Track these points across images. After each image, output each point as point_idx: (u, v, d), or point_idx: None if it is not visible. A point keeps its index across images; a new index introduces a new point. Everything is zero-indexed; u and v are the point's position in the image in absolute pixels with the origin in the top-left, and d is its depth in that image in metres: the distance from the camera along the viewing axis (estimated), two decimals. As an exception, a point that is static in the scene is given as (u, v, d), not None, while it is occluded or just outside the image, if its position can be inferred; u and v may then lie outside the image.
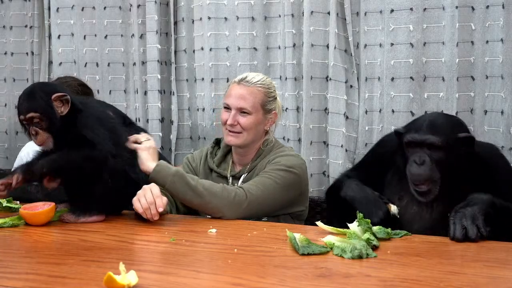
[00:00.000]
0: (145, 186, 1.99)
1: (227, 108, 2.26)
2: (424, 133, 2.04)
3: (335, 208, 2.17)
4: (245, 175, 2.29)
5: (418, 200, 2.04)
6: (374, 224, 1.79)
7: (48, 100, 1.99)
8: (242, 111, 2.23)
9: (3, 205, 2.19)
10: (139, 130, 2.75)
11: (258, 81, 2.27)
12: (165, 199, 1.97)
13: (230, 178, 2.32)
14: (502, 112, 2.60)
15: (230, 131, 2.25)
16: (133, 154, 2.13)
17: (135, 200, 1.97)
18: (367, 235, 1.65)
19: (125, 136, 2.14)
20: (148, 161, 2.08)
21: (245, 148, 2.30)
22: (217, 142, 2.43)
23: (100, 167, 1.99)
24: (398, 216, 1.99)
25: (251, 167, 2.29)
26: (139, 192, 1.98)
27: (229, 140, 2.27)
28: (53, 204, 2.00)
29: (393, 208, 1.99)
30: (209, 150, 2.40)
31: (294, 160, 2.24)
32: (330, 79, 2.89)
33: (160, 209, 1.93)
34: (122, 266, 1.31)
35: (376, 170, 2.23)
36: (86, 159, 1.96)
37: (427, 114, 2.32)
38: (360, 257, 1.53)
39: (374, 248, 1.62)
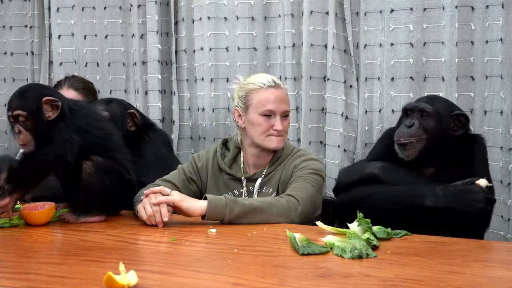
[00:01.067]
0: (151, 195, 1.98)
1: (269, 115, 2.23)
2: (419, 102, 2.21)
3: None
4: (261, 179, 2.28)
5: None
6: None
7: (38, 101, 2.00)
8: (284, 115, 2.25)
9: None
10: (161, 133, 2.78)
11: (280, 82, 2.31)
12: (170, 208, 1.96)
13: (245, 180, 2.30)
14: (501, 112, 2.60)
15: (277, 136, 2.24)
16: (125, 155, 2.14)
17: (140, 207, 1.96)
18: (367, 235, 1.66)
19: (119, 139, 2.15)
20: (194, 205, 1.95)
21: (267, 151, 2.29)
22: (224, 142, 2.41)
23: (54, 165, 1.99)
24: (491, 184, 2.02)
25: (268, 171, 2.28)
26: (144, 200, 1.97)
27: (278, 145, 2.25)
28: (53, 204, 2.01)
29: (483, 182, 1.99)
30: (218, 151, 2.37)
31: (318, 163, 2.27)
32: (328, 79, 2.89)
33: (165, 218, 1.92)
34: (122, 266, 1.31)
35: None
36: (46, 163, 1.96)
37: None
38: (360, 257, 1.53)
39: (374, 248, 1.62)
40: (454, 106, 2.26)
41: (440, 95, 2.70)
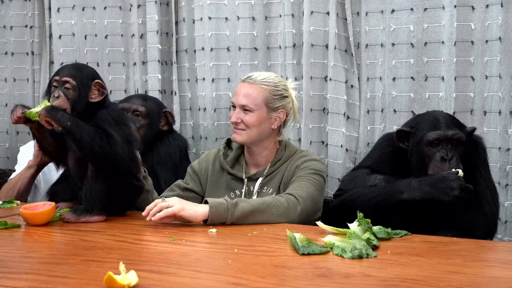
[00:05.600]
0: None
1: (234, 106, 2.28)
2: (447, 130, 2.12)
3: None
4: (262, 178, 2.28)
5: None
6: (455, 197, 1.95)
7: (90, 80, 2.06)
8: (244, 109, 2.24)
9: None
10: (180, 139, 2.82)
11: (263, 79, 2.27)
12: (172, 218, 1.96)
13: (246, 180, 2.30)
14: (499, 113, 2.60)
15: (235, 128, 2.27)
16: (139, 163, 2.16)
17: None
18: (367, 235, 1.66)
19: (137, 144, 2.16)
20: (195, 211, 1.93)
21: (254, 147, 2.30)
22: (228, 142, 2.42)
23: (107, 164, 2.00)
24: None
25: (269, 171, 2.29)
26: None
27: (233, 137, 2.29)
28: (53, 204, 2.01)
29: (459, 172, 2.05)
30: (221, 150, 2.38)
31: (320, 164, 2.27)
32: (330, 79, 2.89)
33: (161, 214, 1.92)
34: (122, 266, 1.31)
35: (383, 169, 2.26)
36: (101, 150, 1.97)
37: (427, 113, 2.35)
38: (360, 257, 1.53)
39: (374, 248, 1.62)
40: (457, 120, 2.25)
41: (440, 95, 2.70)
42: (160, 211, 1.92)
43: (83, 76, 2.05)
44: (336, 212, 2.24)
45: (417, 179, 2.08)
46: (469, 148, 2.16)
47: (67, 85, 2.03)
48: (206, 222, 1.94)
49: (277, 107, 2.28)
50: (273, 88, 2.27)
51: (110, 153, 1.98)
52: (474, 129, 2.21)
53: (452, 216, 2.08)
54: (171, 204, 1.93)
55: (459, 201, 2.01)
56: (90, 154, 1.98)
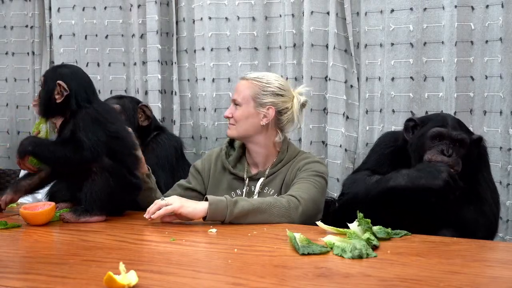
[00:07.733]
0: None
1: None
2: (453, 129, 2.15)
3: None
4: (263, 179, 2.27)
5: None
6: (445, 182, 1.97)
7: (54, 80, 2.05)
8: (235, 103, 2.28)
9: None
10: (174, 138, 2.81)
11: (256, 77, 2.29)
12: (173, 217, 1.97)
13: (247, 179, 2.30)
14: (500, 113, 2.60)
15: (228, 123, 2.30)
16: (136, 160, 2.14)
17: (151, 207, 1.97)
18: (367, 235, 1.65)
19: (131, 140, 2.14)
20: (195, 209, 1.94)
21: (249, 144, 2.30)
22: (231, 142, 2.42)
23: (82, 168, 2.01)
24: None
25: (271, 172, 2.28)
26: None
27: (226, 132, 2.33)
28: (53, 204, 2.01)
29: None
30: (223, 149, 2.38)
31: (322, 166, 2.27)
32: (329, 79, 2.89)
33: (159, 211, 1.93)
34: (122, 266, 1.31)
35: (383, 170, 2.26)
36: (66, 159, 1.98)
37: (438, 113, 2.39)
38: (360, 257, 1.52)
39: (374, 248, 1.62)
40: (466, 126, 2.25)
41: (440, 95, 2.71)
42: (160, 209, 1.93)
43: (48, 78, 2.06)
44: (339, 214, 2.24)
45: (407, 168, 2.11)
46: (472, 152, 2.16)
47: (41, 88, 2.08)
48: (205, 219, 1.95)
49: (265, 103, 2.24)
50: (264, 84, 2.26)
51: (75, 158, 1.97)
52: (480, 138, 2.21)
53: (447, 213, 2.09)
54: (170, 202, 1.94)
55: (451, 192, 2.03)
56: (57, 166, 2.05)
